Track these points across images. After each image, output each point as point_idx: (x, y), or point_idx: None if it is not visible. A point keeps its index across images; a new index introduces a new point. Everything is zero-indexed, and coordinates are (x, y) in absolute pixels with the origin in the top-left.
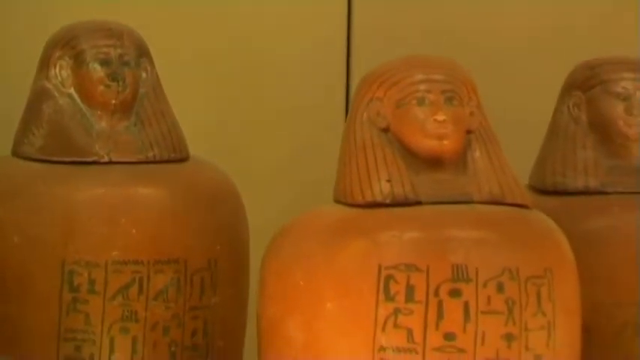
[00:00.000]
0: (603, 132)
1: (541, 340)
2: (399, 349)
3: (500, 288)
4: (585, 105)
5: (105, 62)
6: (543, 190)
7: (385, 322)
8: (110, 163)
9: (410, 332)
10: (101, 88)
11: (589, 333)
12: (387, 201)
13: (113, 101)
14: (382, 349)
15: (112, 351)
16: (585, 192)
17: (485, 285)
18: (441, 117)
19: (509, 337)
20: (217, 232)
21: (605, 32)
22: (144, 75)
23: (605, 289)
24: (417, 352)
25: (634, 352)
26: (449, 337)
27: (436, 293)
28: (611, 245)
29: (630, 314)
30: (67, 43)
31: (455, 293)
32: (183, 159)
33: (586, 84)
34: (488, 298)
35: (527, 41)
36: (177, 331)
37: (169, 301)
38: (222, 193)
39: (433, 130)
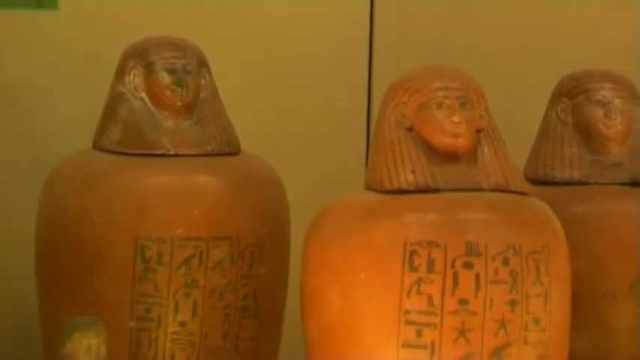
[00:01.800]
0: (586, 133)
1: (539, 306)
2: (420, 312)
3: (505, 262)
4: (571, 110)
5: (171, 71)
6: (536, 180)
7: (410, 290)
8: (175, 155)
9: (430, 298)
10: (168, 92)
11: (574, 300)
12: (412, 188)
13: (178, 104)
14: (407, 312)
15: (176, 312)
16: (570, 182)
17: (493, 259)
18: (456, 119)
19: (512, 303)
20: (264, 214)
21: (588, 48)
22: (203, 82)
23: (587, 263)
24: (435, 315)
25: (611, 317)
26: (463, 302)
27: (452, 265)
28: (592, 227)
29: (609, 285)
30: (139, 55)
31: (468, 266)
32: (236, 153)
33: (572, 92)
34: (496, 270)
35: (525, 55)
36: (230, 296)
37: (224, 271)
38: (267, 181)
39: (450, 129)
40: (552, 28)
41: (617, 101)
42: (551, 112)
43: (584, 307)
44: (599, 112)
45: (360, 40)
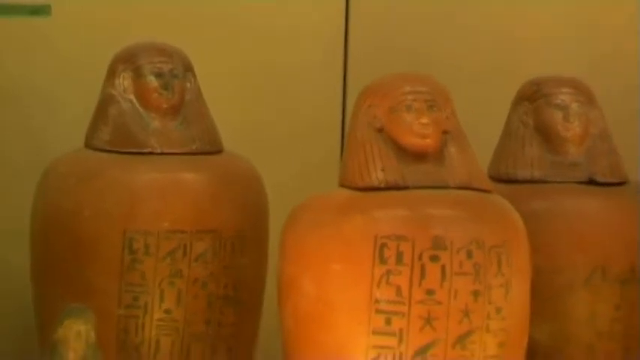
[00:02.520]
0: (546, 134)
1: (500, 296)
2: (390, 302)
3: (469, 255)
4: (532, 113)
5: (158, 75)
6: (499, 179)
7: (380, 280)
8: (162, 153)
9: (399, 288)
10: (155, 95)
11: (533, 292)
12: (382, 186)
13: (165, 106)
14: (377, 301)
15: (162, 300)
16: (531, 181)
17: (457, 252)
18: (424, 120)
19: (476, 293)
20: (245, 209)
21: (547, 56)
22: (188, 85)
23: (546, 256)
24: (404, 304)
25: (568, 308)
26: (429, 292)
27: (420, 258)
28: (551, 223)
29: (565, 277)
30: (128, 59)
31: (434, 258)
32: (219, 151)
33: (532, 97)
34: (460, 263)
35: (489, 63)
36: (212, 285)
37: (207, 262)
38: (248, 178)
39: (418, 130)
40: (515, 36)
41: (574, 105)
42: (514, 115)
43: (542, 299)
44: (558, 115)
45: (336, 47)
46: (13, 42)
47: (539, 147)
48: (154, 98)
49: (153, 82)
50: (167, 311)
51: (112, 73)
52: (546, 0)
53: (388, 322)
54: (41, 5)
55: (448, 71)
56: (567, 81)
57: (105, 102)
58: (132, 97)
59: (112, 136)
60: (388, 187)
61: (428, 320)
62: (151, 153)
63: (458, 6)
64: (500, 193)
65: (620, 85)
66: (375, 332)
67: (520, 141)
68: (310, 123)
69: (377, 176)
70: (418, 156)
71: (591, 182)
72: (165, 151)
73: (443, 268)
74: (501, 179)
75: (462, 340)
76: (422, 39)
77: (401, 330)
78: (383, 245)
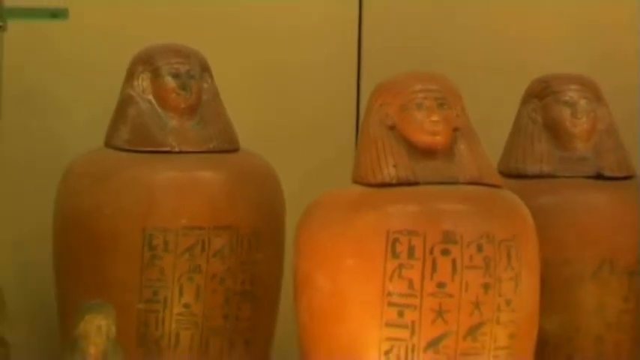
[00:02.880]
0: (554, 130)
1: (510, 288)
2: (402, 295)
3: (479, 248)
4: (541, 110)
5: (176, 75)
6: (508, 174)
7: (392, 274)
8: (180, 152)
9: (411, 282)
10: (173, 95)
11: (543, 284)
12: (394, 182)
13: (182, 105)
14: (389, 294)
15: (181, 295)
16: (540, 176)
17: (468, 246)
18: (434, 118)
19: (486, 286)
20: (261, 206)
21: (555, 54)
22: (205, 85)
23: (554, 250)
24: (415, 297)
25: (577, 299)
26: (440, 285)
27: (431, 252)
28: (560, 217)
29: (574, 269)
30: (146, 61)
31: (445, 252)
32: (235, 150)
33: (541, 94)
34: (471, 257)
35: (500, 61)
36: (230, 281)
37: (224, 258)
38: (264, 176)
39: (429, 128)
40: (524, 36)
41: (582, 102)
42: (523, 112)
43: (552, 290)
44: (567, 112)
45: (350, 46)
46: (34, 47)
47: (548, 143)
48: (172, 98)
49: (171, 82)
50: (186, 305)
51: (130, 75)
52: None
53: (401, 314)
54: (59, 9)
55: (459, 69)
56: (575, 78)
57: (124, 102)
58: (150, 97)
59: (130, 135)
60: (400, 183)
61: (439, 313)
62: (168, 152)
63: (467, 6)
64: (510, 188)
65: (619, 83)
66: (387, 325)
67: (529, 137)
68: (325, 121)
69: (389, 172)
70: (429, 153)
71: (599, 177)
72: (183, 149)
73: (454, 261)
74: (511, 174)
75: (472, 332)
76: (433, 37)
77: (413, 322)
78: (395, 240)
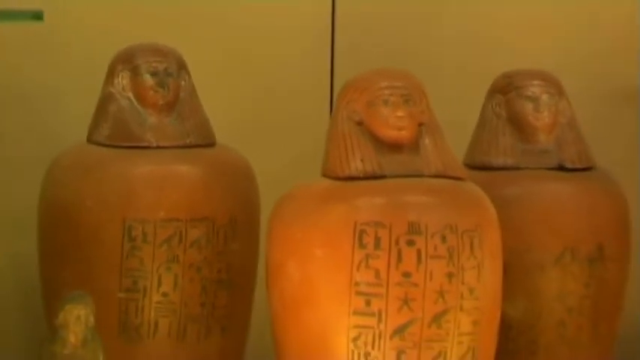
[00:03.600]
0: (518, 124)
1: (473, 277)
2: (369, 284)
3: (443, 239)
4: (504, 104)
5: (154, 74)
6: (474, 166)
7: (359, 264)
8: (158, 147)
9: (377, 271)
10: (151, 93)
11: (507, 271)
12: (361, 175)
13: (160, 102)
14: (357, 284)
15: (159, 284)
16: (504, 168)
17: (432, 237)
18: (400, 114)
19: (450, 275)
20: (236, 198)
21: (517, 51)
22: (183, 83)
23: (518, 238)
24: (382, 286)
25: (540, 286)
26: (406, 275)
27: (397, 243)
28: (524, 207)
29: (537, 257)
30: (126, 60)
31: (410, 243)
32: (212, 144)
33: (505, 89)
34: (435, 247)
35: (465, 58)
36: (207, 270)
37: (201, 248)
38: (239, 169)
39: (394, 123)
40: (488, 35)
41: (544, 96)
42: (488, 106)
43: (516, 278)
44: (529, 106)
45: (323, 45)
46: (27, 45)
47: (512, 136)
48: (150, 96)
49: (149, 80)
50: (164, 294)
51: (111, 73)
52: (516, 3)
53: (368, 303)
54: (35, 11)
55: (428, 66)
56: (537, 74)
57: (105, 100)
58: (130, 94)
59: (111, 131)
60: (367, 177)
61: (405, 301)
62: (147, 147)
63: (438, 6)
64: (475, 180)
65: (587, 79)
66: (355, 313)
67: (494, 131)
68: (299, 117)
69: (356, 166)
70: (395, 147)
71: (561, 168)
72: (161, 145)
73: (418, 252)
74: (477, 167)
75: (437, 319)
76: (404, 36)
77: (380, 310)
78: (362, 231)
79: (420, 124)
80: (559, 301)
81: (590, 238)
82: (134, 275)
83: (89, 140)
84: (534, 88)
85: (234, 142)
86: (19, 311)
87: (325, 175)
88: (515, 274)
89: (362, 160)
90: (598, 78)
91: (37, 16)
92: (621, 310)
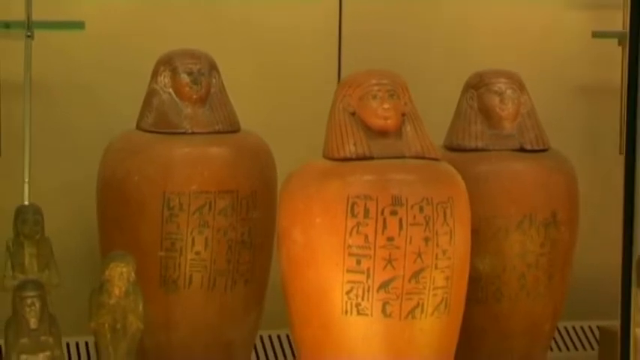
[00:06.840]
0: (487, 114)
1: (446, 241)
2: (359, 247)
3: (421, 209)
4: (476, 98)
5: (190, 73)
6: (451, 149)
7: (351, 231)
8: (192, 133)
9: (366, 236)
10: (187, 89)
11: (477, 234)
12: (353, 157)
13: (194, 96)
14: (349, 246)
15: (193, 245)
16: (476, 149)
17: (412, 208)
18: (386, 106)
19: (426, 239)
20: (257, 174)
21: (491, 50)
22: (213, 81)
23: (487, 207)
24: (370, 248)
25: (504, 246)
26: (390, 239)
27: (382, 213)
28: (492, 181)
29: (502, 222)
30: (167, 62)
31: (393, 213)
32: (237, 130)
33: (477, 85)
34: (414, 216)
35: (445, 57)
36: (232, 233)
37: (227, 215)
38: (260, 150)
39: (382, 114)
40: (463, 34)
41: (509, 91)
42: (462, 99)
43: (485, 239)
44: (496, 99)
45: (331, 48)
46: (89, 49)
47: (482, 124)
48: (186, 91)
49: (185, 78)
50: (197, 253)
51: (155, 73)
52: (493, 4)
53: (358, 262)
54: (77, 21)
55: (413, 65)
56: (503, 72)
57: (150, 94)
58: (170, 90)
59: (154, 120)
60: (358, 158)
61: (389, 261)
62: (184, 133)
63: (425, 8)
64: (452, 160)
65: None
66: (348, 270)
67: (467, 119)
68: (309, 110)
69: (350, 149)
70: (382, 133)
71: (522, 150)
72: (195, 131)
73: (400, 220)
74: (453, 149)
75: (415, 275)
76: (400, 39)
77: (368, 269)
78: (354, 203)
79: (403, 115)
80: (520, 258)
81: (546, 206)
82: (172, 238)
83: (137, 127)
84: (500, 85)
85: (255, 129)
86: (77, 268)
87: (324, 156)
88: (484, 237)
89: (354, 144)
90: (554, 76)
91: (79, 25)
92: (571, 265)
